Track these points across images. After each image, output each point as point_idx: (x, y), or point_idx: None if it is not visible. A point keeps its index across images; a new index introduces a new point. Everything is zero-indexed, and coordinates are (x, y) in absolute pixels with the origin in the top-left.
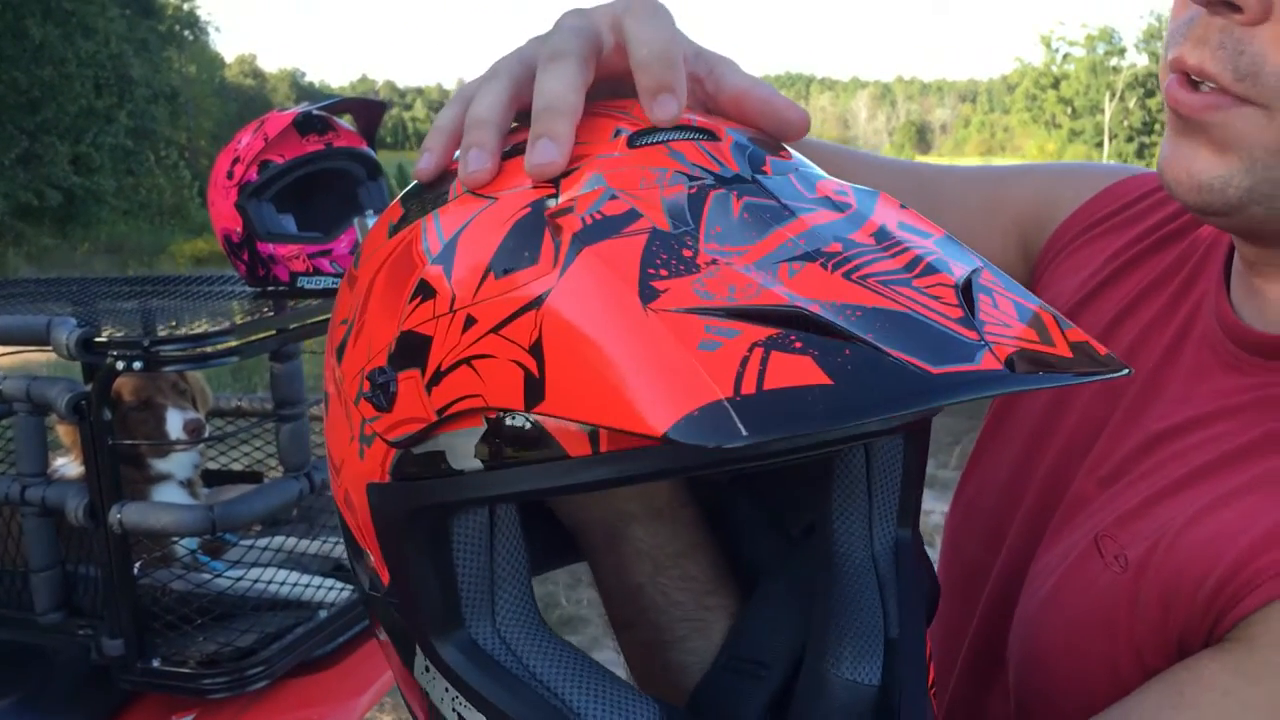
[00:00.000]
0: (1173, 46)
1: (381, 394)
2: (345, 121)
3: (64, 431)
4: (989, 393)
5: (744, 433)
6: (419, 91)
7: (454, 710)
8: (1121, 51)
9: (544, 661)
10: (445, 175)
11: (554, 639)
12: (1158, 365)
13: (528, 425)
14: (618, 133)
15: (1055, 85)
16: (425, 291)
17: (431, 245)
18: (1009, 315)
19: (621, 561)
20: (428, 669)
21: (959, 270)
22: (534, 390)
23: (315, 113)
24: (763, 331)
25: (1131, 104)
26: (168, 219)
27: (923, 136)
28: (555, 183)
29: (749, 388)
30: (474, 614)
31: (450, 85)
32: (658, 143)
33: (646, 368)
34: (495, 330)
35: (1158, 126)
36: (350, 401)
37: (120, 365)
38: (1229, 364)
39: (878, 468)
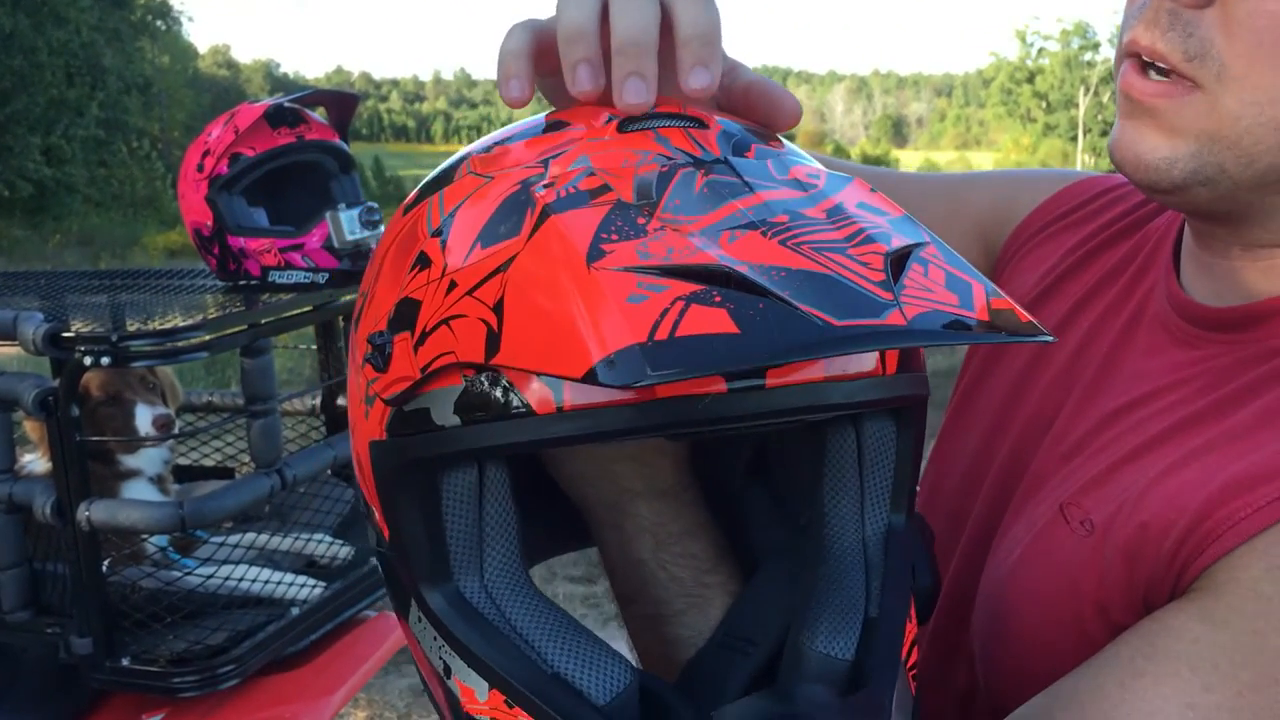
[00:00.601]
0: (1127, 30)
1: (379, 355)
2: (318, 114)
3: (31, 427)
4: (885, 345)
5: (649, 373)
6: (395, 83)
7: (440, 658)
8: (1096, 46)
9: (526, 616)
10: (456, 161)
11: (538, 596)
12: (1113, 348)
13: (500, 383)
14: (609, 119)
15: (1030, 80)
16: (423, 261)
17: (434, 220)
18: (935, 283)
19: (625, 538)
20: (420, 619)
21: (899, 242)
22: (493, 344)
23: (287, 105)
24: (689, 287)
25: (1106, 98)
26: (140, 211)
27: (899, 130)
28: (545, 162)
29: (663, 334)
30: (462, 568)
31: (426, 77)
32: (646, 129)
33: (579, 319)
34: (470, 292)
35: None
36: (358, 365)
37: (88, 360)
38: (1180, 340)
39: (869, 453)
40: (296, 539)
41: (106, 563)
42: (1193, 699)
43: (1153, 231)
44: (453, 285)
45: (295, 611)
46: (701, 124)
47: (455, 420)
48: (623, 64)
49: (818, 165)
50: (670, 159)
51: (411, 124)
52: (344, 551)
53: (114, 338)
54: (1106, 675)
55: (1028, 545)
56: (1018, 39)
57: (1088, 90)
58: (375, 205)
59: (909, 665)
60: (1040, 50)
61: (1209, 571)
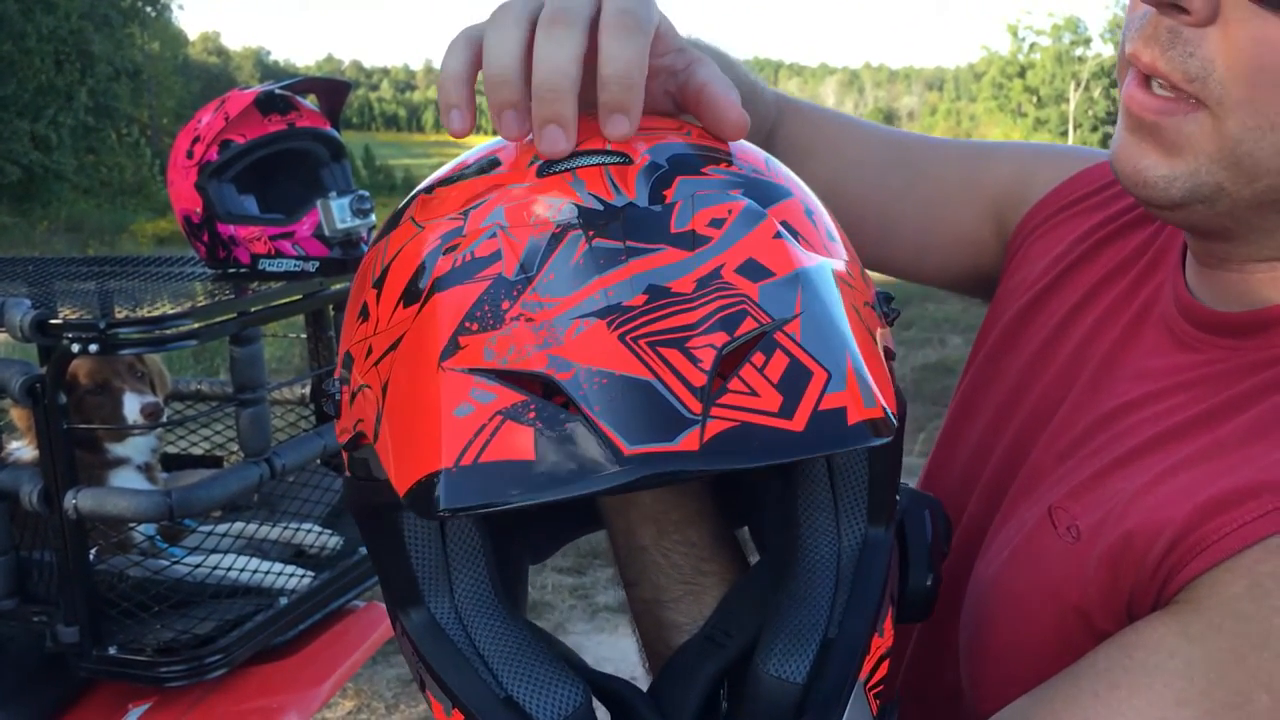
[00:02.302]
0: (1128, 40)
1: (331, 402)
2: (309, 101)
3: (18, 415)
4: (666, 474)
5: (445, 504)
6: (385, 72)
7: (415, 671)
8: (1087, 41)
9: (489, 639)
10: (412, 197)
11: (505, 620)
12: (1115, 345)
13: None
14: (532, 161)
15: (1021, 74)
16: (364, 313)
17: (376, 269)
18: (767, 380)
19: (629, 524)
20: (403, 633)
21: (752, 324)
22: (377, 427)
23: (278, 92)
24: (511, 398)
25: (1096, 93)
26: (129, 198)
27: (890, 123)
28: (465, 214)
29: (469, 459)
30: (432, 593)
31: (417, 66)
32: (564, 170)
33: (417, 428)
34: (376, 364)
35: None
36: None
37: (76, 348)
38: (1183, 342)
39: (839, 466)
40: (285, 528)
41: (93, 551)
42: (1166, 713)
43: (1164, 226)
44: (369, 350)
45: (284, 601)
46: (626, 159)
47: (384, 475)
48: (540, 110)
49: (734, 204)
50: (573, 215)
51: (402, 113)
52: (333, 541)
53: (102, 325)
54: (1083, 684)
55: (1015, 548)
56: (1009, 33)
57: (1078, 85)
58: (367, 194)
59: (873, 683)
60: (1032, 45)
61: (1191, 585)
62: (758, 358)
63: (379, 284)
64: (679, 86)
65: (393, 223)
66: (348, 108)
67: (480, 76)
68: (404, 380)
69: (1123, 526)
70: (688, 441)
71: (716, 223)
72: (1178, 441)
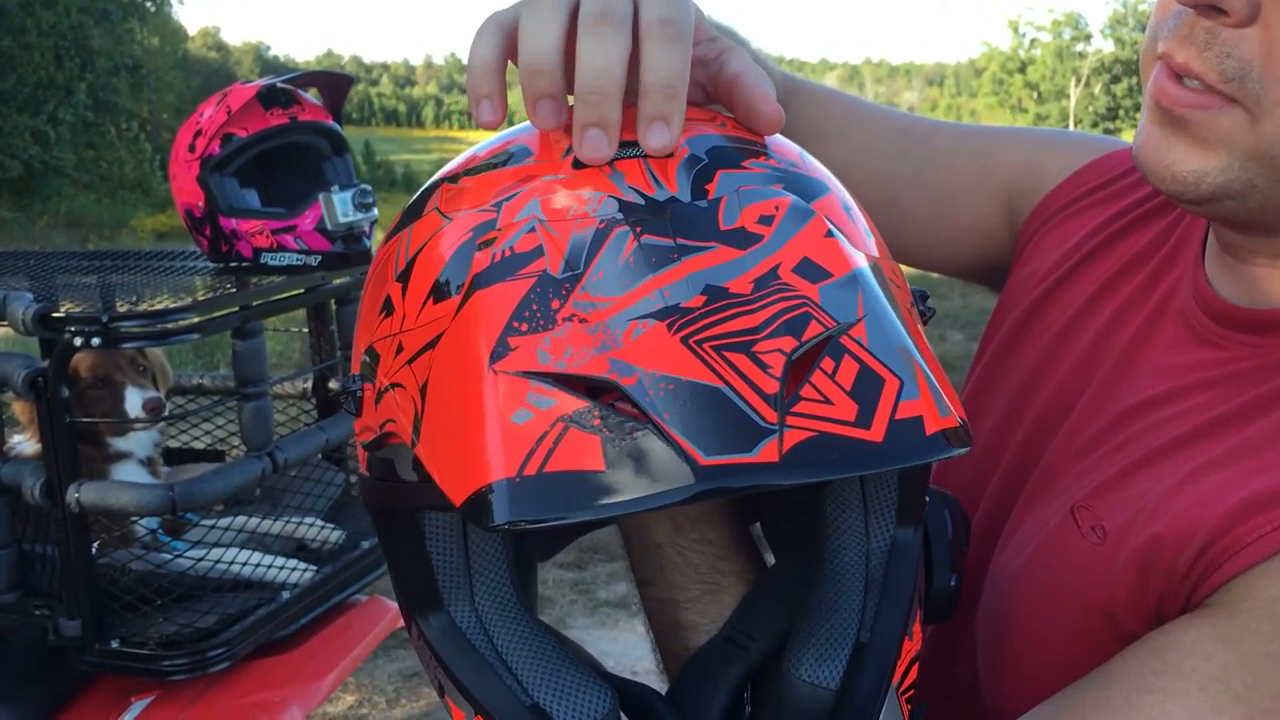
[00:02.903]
0: (1160, 40)
1: (352, 400)
2: (311, 95)
3: (20, 408)
4: (747, 487)
5: (508, 516)
6: (385, 67)
7: (435, 677)
8: (1087, 37)
9: (513, 644)
10: (431, 186)
11: (527, 623)
12: (1134, 340)
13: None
14: (567, 151)
15: (1022, 70)
16: (388, 308)
17: (400, 261)
18: (839, 387)
19: (644, 521)
20: (420, 637)
21: (816, 329)
22: (417, 430)
23: (280, 86)
24: (573, 404)
25: (1097, 90)
26: (129, 193)
27: None
28: (498, 206)
29: (532, 469)
30: (452, 597)
31: (417, 61)
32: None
33: (469, 434)
34: (409, 363)
35: (1122, 113)
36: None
37: (78, 341)
38: (1204, 338)
39: None
40: (287, 522)
41: (96, 545)
42: (1201, 719)
43: (1183, 216)
44: (400, 348)
45: (286, 595)
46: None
47: (414, 477)
48: (583, 113)
49: (779, 200)
50: (614, 210)
51: (402, 108)
52: (335, 535)
53: (104, 319)
54: (1114, 689)
55: (1037, 547)
56: (1010, 28)
57: (1079, 81)
58: (369, 187)
59: (904, 687)
60: (1033, 41)
61: (1225, 588)
62: (827, 363)
63: (404, 277)
64: (710, 76)
65: (414, 213)
66: (347, 103)
67: (511, 65)
68: (448, 382)
69: (1151, 528)
70: (766, 452)
71: (765, 220)
72: (1204, 441)
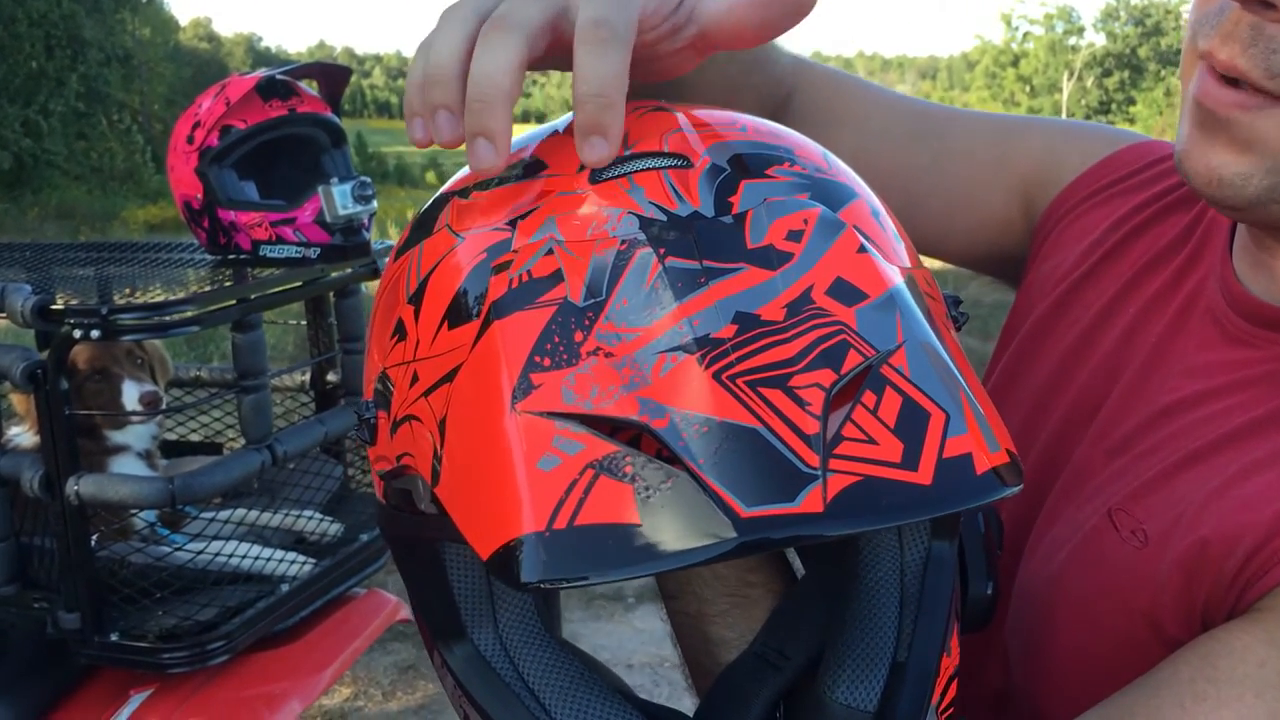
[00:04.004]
0: (1202, 37)
1: (367, 428)
2: (309, 87)
3: (18, 400)
4: (791, 539)
5: (538, 575)
6: (378, 59)
7: (459, 707)
8: (1080, 31)
9: (540, 673)
10: (440, 199)
11: (553, 649)
12: (1162, 337)
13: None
14: (583, 165)
15: (1015, 63)
16: (401, 332)
17: (411, 282)
18: (883, 425)
19: None
20: (441, 665)
21: (856, 358)
22: (436, 470)
23: (279, 77)
24: (603, 448)
25: (1089, 83)
26: (120, 184)
27: None
28: (513, 224)
29: (561, 522)
30: (475, 625)
31: (410, 53)
32: (620, 175)
33: (493, 481)
34: (425, 395)
35: (1114, 106)
36: None
37: (77, 333)
38: (1237, 338)
39: None
40: (286, 515)
41: (95, 538)
42: None
43: (1207, 209)
44: (415, 378)
45: (285, 588)
46: (685, 162)
47: (434, 509)
48: (582, 120)
49: (808, 212)
50: (634, 228)
51: (394, 100)
52: (334, 528)
53: (103, 311)
54: (1164, 696)
55: (1072, 551)
56: (1003, 22)
57: (1071, 75)
58: (368, 180)
59: (944, 705)
60: (1025, 34)
61: (1274, 593)
62: (868, 398)
63: (416, 299)
64: (690, 40)
65: (423, 229)
66: (342, 96)
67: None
68: (469, 421)
69: (1196, 532)
70: (810, 501)
71: (794, 235)
72: (1246, 443)
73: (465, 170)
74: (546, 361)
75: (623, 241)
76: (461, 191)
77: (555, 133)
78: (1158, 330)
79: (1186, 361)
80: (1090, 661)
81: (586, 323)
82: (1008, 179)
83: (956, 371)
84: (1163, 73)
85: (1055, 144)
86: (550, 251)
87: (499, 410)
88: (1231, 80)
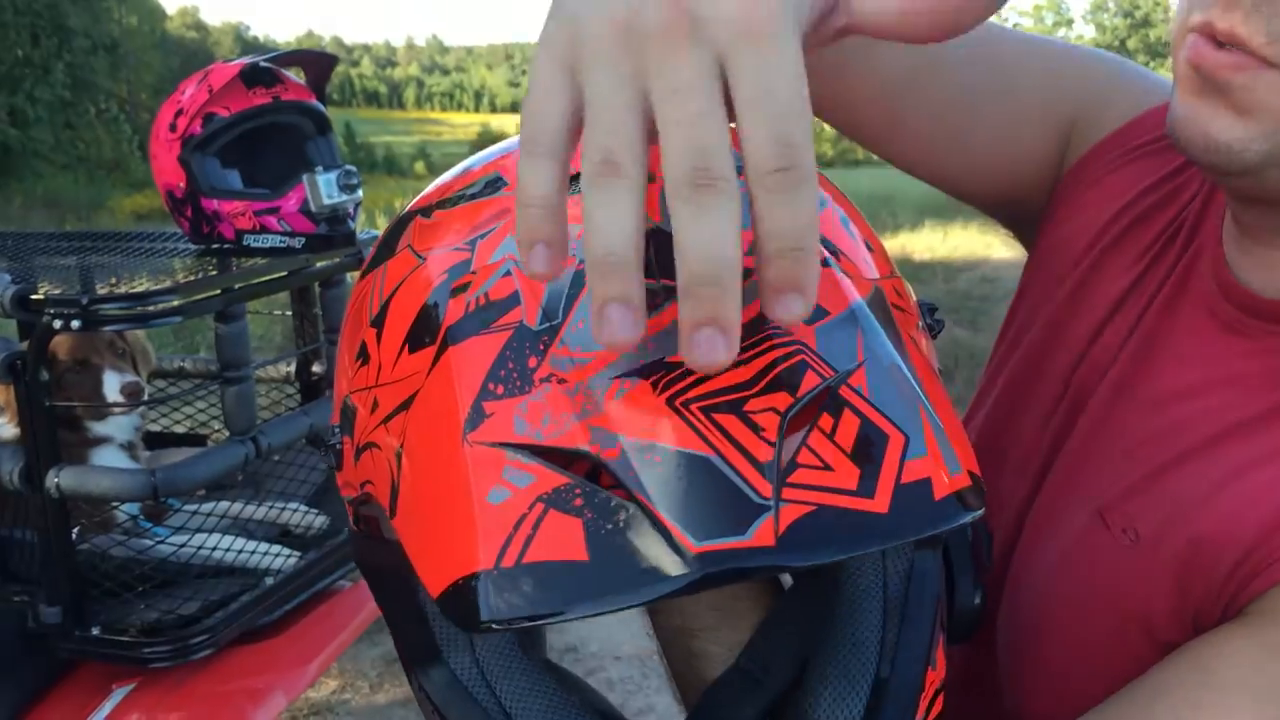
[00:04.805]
0: (1198, 10)
1: (333, 453)
2: (294, 74)
3: None
4: (743, 573)
5: (486, 615)
6: (366, 48)
7: None
8: (1069, 23)
9: (517, 697)
10: (404, 218)
11: (532, 674)
12: (1154, 324)
13: None
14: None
15: None
16: (364, 356)
17: (374, 304)
18: (839, 450)
19: None
20: (420, 690)
21: (811, 382)
22: (394, 501)
23: (263, 65)
24: (553, 480)
25: None
26: (107, 174)
27: None
28: (472, 245)
29: (510, 559)
30: (451, 649)
31: (398, 43)
32: (579, 192)
33: (444, 515)
34: (384, 422)
35: None
36: None
37: (58, 324)
38: (1230, 327)
39: None
40: (271, 508)
41: (76, 530)
42: None
43: (1195, 192)
44: (375, 405)
45: (269, 581)
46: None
47: (397, 538)
48: (693, 311)
49: None
50: None
51: (383, 90)
52: (319, 521)
53: (84, 301)
54: (1159, 705)
55: (1063, 550)
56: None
57: None
58: (354, 169)
59: None
60: (1015, 25)
61: (1267, 596)
62: (825, 421)
63: (378, 322)
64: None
65: (386, 250)
66: (328, 83)
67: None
68: (423, 452)
69: (1189, 531)
70: (761, 534)
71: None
72: (1241, 439)
73: (429, 188)
74: (500, 389)
75: (580, 261)
76: (424, 210)
77: (516, 148)
78: (1150, 317)
79: (1178, 349)
80: (1080, 663)
81: (541, 347)
82: (1056, 116)
83: (919, 389)
84: (1151, 65)
85: (1107, 86)
86: (508, 273)
87: (452, 440)
88: (1227, 48)
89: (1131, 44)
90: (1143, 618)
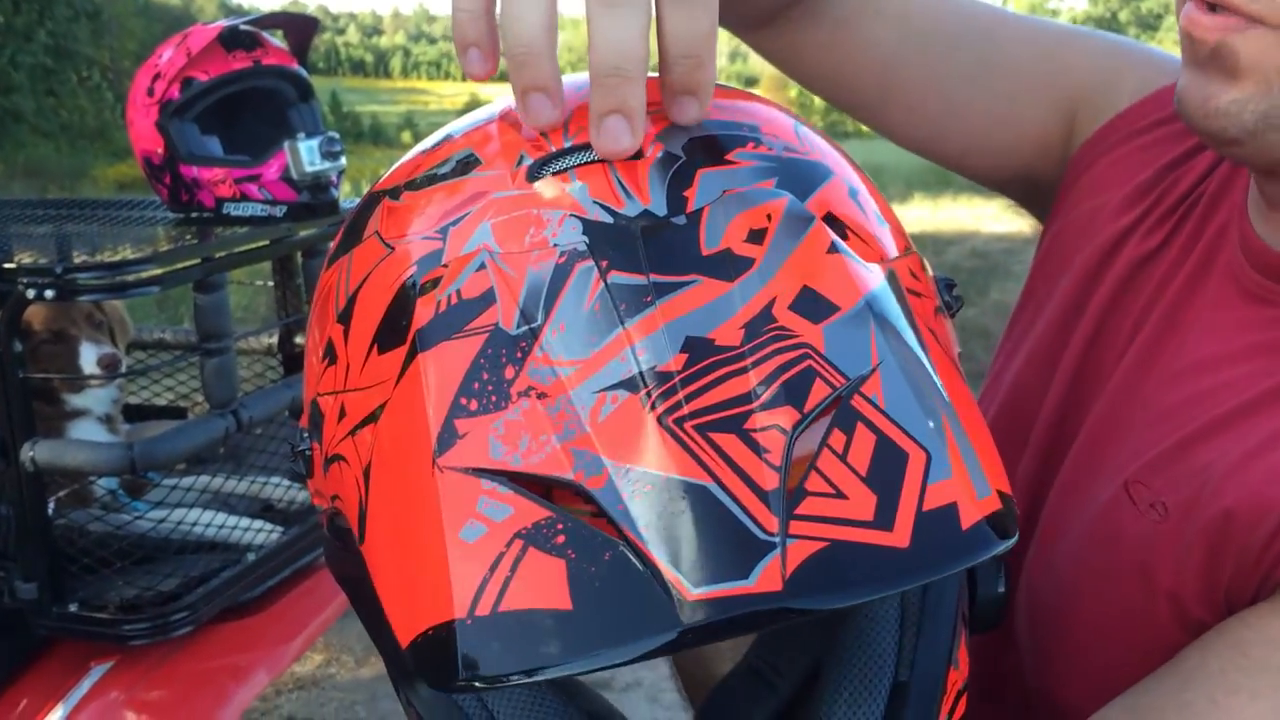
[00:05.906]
0: None
1: (302, 459)
2: (275, 38)
3: None
4: (745, 622)
5: (460, 673)
6: (352, 16)
7: None
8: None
9: (511, 711)
10: (371, 199)
11: (527, 686)
12: (1179, 295)
13: None
14: (520, 160)
15: None
16: (331, 355)
17: (340, 297)
18: (853, 473)
19: None
20: (409, 706)
21: (820, 393)
22: (361, 524)
23: (243, 28)
24: (532, 514)
25: None
26: (90, 142)
27: None
28: (444, 232)
29: (485, 607)
30: None
31: (384, 11)
32: (562, 171)
33: (414, 552)
34: (351, 434)
35: None
36: None
37: (31, 294)
38: (1256, 296)
39: None
40: (252, 482)
41: (52, 505)
42: None
43: (1206, 159)
44: (343, 412)
45: (251, 557)
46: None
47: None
48: (601, 100)
49: (772, 205)
50: (578, 233)
51: (369, 58)
52: (302, 496)
53: (59, 270)
54: (1195, 689)
55: (1088, 525)
56: None
57: None
58: (336, 135)
59: None
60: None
61: None
62: (836, 439)
63: (345, 318)
64: None
65: (353, 236)
66: (313, 52)
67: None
68: (391, 474)
69: (1220, 504)
70: (767, 577)
71: (756, 235)
72: (1270, 409)
73: (398, 164)
74: (473, 404)
75: (562, 253)
76: (392, 191)
77: (490, 120)
78: (1172, 290)
79: (1204, 320)
80: (1109, 643)
81: (519, 355)
82: (1056, 96)
83: (942, 391)
84: (1143, 37)
85: (1112, 65)
86: (482, 266)
87: (422, 464)
88: (1218, 10)
89: (1124, 16)
90: (1173, 595)
